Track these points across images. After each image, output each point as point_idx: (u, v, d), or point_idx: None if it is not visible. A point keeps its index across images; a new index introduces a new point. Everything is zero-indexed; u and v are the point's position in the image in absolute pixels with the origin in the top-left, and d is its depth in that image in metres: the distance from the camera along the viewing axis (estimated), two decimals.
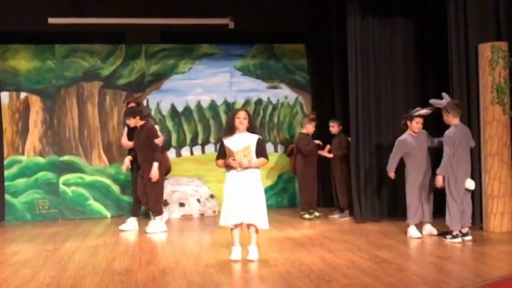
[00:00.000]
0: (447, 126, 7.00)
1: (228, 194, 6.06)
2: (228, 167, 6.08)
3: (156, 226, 8.25)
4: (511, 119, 7.46)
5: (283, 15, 10.35)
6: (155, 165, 8.13)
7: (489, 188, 7.36)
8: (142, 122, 8.32)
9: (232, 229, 6.13)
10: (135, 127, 8.38)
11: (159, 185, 8.34)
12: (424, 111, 7.24)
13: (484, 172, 7.43)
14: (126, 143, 8.71)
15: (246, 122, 6.08)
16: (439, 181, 6.90)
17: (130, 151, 8.61)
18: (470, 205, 6.97)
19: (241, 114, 6.12)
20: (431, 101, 7.13)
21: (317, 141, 9.40)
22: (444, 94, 7.07)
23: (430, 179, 7.23)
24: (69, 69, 10.26)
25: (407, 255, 6.35)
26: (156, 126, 8.67)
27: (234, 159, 5.96)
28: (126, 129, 8.75)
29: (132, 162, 8.54)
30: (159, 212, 8.33)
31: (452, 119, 6.93)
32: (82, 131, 10.26)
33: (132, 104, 8.83)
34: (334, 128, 9.28)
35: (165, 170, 8.61)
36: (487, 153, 7.40)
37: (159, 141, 8.30)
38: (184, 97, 10.62)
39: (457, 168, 6.84)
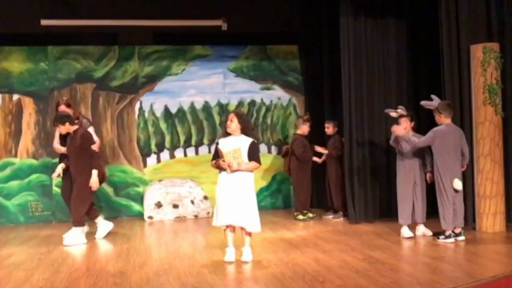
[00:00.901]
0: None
1: (219, 195, 6.07)
2: (220, 169, 6.09)
3: (76, 237, 7.56)
4: (503, 120, 7.51)
5: (276, 17, 10.37)
6: (94, 172, 7.50)
7: (481, 189, 7.40)
8: (75, 127, 7.67)
9: (225, 230, 6.14)
10: (68, 132, 7.73)
11: (89, 195, 7.66)
12: (422, 102, 7.25)
13: (477, 172, 7.47)
14: (58, 148, 8.04)
15: (233, 125, 6.06)
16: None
17: (62, 157, 7.91)
18: (462, 205, 7.01)
19: (228, 117, 6.16)
20: (422, 102, 7.20)
21: (318, 148, 9.34)
22: (433, 96, 7.13)
23: (421, 180, 7.28)
24: (62, 71, 10.23)
25: (401, 255, 6.37)
26: (91, 128, 8.12)
27: (223, 161, 5.98)
28: (58, 132, 8.04)
29: (64, 169, 7.82)
30: (80, 223, 7.61)
31: (444, 120, 6.98)
32: None
33: (62, 107, 8.09)
34: (329, 129, 9.30)
35: (100, 178, 7.85)
36: (479, 154, 7.44)
37: (96, 147, 7.72)
38: (178, 98, 10.62)
39: (446, 168, 6.87)
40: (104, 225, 8.00)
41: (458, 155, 6.97)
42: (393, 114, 7.48)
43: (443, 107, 6.98)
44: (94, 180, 7.52)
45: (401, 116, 7.40)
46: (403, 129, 7.14)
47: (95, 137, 8.06)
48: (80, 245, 7.45)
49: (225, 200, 5.99)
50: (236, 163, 5.95)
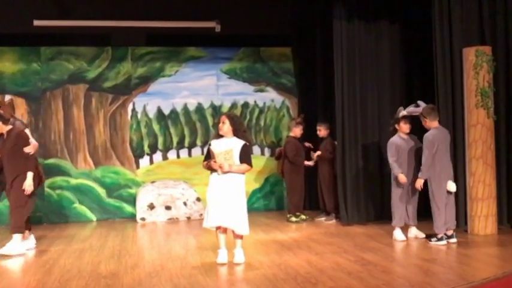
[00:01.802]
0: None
1: (210, 196, 6.08)
2: (211, 169, 6.09)
3: (15, 246, 6.93)
4: (495, 123, 7.54)
5: (270, 19, 10.38)
6: (29, 175, 6.93)
7: (474, 191, 7.42)
8: (9, 127, 7.11)
9: (217, 232, 6.14)
10: (1, 133, 7.12)
11: (29, 199, 7.03)
12: (408, 110, 7.30)
13: (469, 175, 7.49)
14: None
15: (225, 127, 6.06)
16: (418, 184, 6.98)
17: None
18: (454, 207, 7.03)
19: (220, 119, 6.16)
20: (409, 110, 7.23)
21: (307, 144, 9.43)
22: (420, 102, 7.16)
23: (414, 183, 7.29)
24: (54, 72, 10.20)
25: (393, 257, 6.38)
26: (27, 130, 7.42)
27: (215, 162, 5.98)
28: None
29: None
30: (21, 229, 6.97)
31: (431, 123, 7.00)
32: (67, 134, 10.20)
33: None
34: (321, 131, 9.30)
35: (37, 181, 7.26)
36: (471, 156, 7.46)
37: (30, 148, 7.07)
38: (171, 100, 10.60)
39: (438, 171, 6.89)
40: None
41: (449, 157, 6.99)
42: (407, 111, 7.37)
43: (428, 111, 7.01)
44: (28, 184, 6.93)
45: (404, 116, 7.36)
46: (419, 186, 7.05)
47: (33, 140, 7.41)
48: (17, 256, 6.83)
49: (215, 202, 6.00)
50: (227, 164, 5.95)
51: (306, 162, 9.30)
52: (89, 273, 5.88)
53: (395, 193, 7.33)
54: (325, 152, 9.18)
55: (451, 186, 6.88)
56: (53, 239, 8.17)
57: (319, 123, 9.39)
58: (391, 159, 7.33)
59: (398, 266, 5.95)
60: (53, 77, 10.20)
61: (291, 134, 9.36)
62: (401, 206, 7.29)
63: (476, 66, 7.44)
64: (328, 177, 9.16)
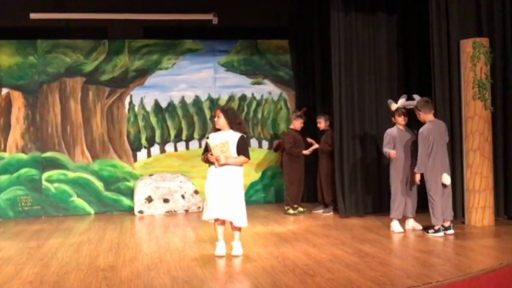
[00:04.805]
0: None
1: (208, 189, 6.10)
2: (209, 163, 6.10)
3: None
4: (493, 114, 7.55)
5: (267, 11, 10.35)
6: None
7: (471, 183, 7.45)
8: None
9: (215, 224, 6.15)
10: None
11: None
12: (397, 104, 7.31)
13: (466, 167, 7.51)
14: None
15: (220, 121, 6.08)
16: (417, 178, 7.02)
17: None
18: (451, 199, 7.04)
19: (215, 113, 6.18)
20: (404, 103, 7.24)
21: (310, 140, 9.39)
22: (415, 96, 7.16)
23: (412, 175, 7.30)
24: (51, 65, 10.17)
25: (391, 249, 6.40)
26: None
27: (212, 155, 5.99)
28: None
29: None
30: None
31: (426, 116, 7.00)
32: (65, 127, 10.18)
33: None
34: (321, 124, 9.28)
35: None
36: (468, 148, 7.48)
37: None
38: (168, 93, 10.58)
39: (434, 163, 6.90)
40: None
41: (446, 150, 7.00)
42: (396, 105, 7.39)
43: (422, 104, 7.01)
44: None
45: (398, 109, 7.36)
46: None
47: None
48: None
49: (213, 194, 6.02)
50: (224, 157, 5.96)
51: (303, 151, 9.26)
52: (87, 266, 5.89)
53: (394, 185, 7.34)
54: (324, 144, 9.17)
55: (446, 179, 6.89)
56: (51, 232, 8.17)
57: (318, 116, 9.37)
58: (384, 148, 7.39)
59: (396, 258, 5.97)
60: (49, 70, 10.17)
61: (291, 127, 9.36)
62: (400, 198, 7.31)
63: (473, 58, 7.45)
64: (327, 170, 9.15)
